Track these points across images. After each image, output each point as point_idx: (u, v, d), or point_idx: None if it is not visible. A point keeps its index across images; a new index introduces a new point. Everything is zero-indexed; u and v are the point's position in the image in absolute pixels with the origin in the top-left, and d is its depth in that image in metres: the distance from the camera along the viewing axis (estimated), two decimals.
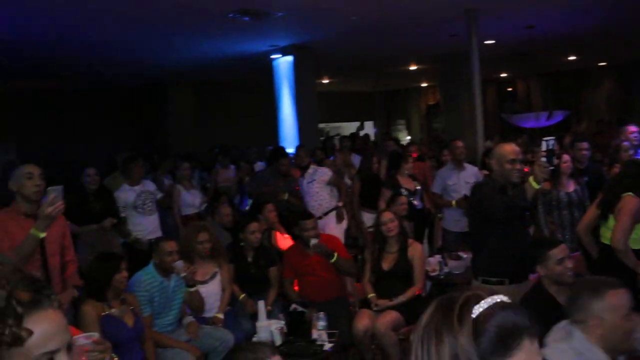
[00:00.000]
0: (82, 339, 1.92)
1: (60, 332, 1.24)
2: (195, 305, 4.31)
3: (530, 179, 3.52)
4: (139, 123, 14.87)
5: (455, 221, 6.32)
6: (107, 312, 3.52)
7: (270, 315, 4.35)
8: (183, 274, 4.12)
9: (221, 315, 4.50)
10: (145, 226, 5.86)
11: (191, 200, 6.66)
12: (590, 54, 13.78)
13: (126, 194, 5.84)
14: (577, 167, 5.10)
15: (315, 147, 8.98)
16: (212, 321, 4.42)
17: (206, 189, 7.83)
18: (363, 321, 4.40)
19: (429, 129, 19.83)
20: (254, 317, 4.56)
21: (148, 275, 4.09)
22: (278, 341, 3.85)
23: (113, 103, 14.58)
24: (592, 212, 4.26)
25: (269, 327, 3.97)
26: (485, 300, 1.14)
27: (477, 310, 1.12)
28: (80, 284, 3.78)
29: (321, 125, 13.96)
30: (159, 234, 5.81)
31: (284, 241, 5.46)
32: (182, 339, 4.10)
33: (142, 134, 14.58)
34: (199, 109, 14.57)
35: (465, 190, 6.20)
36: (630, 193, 3.82)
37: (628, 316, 2.14)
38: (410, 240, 4.75)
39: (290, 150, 8.56)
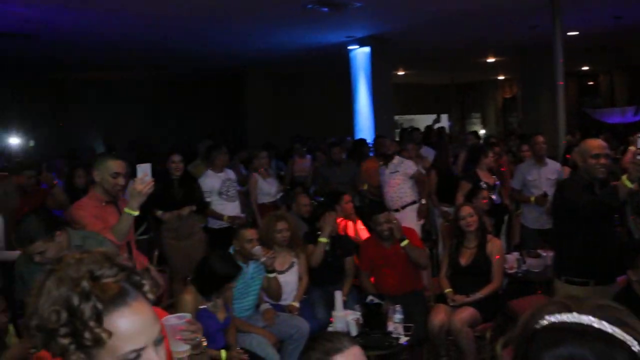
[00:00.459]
0: (174, 319, 1.96)
1: (146, 327, 1.19)
2: (273, 291, 4.37)
3: (624, 177, 3.37)
4: (218, 113, 15.27)
5: (534, 218, 6.14)
6: (204, 306, 3.58)
7: (344, 306, 4.36)
8: (263, 259, 4.17)
9: (297, 304, 4.56)
10: (228, 212, 6.01)
11: (268, 189, 6.77)
12: None
13: (212, 180, 6.00)
14: None
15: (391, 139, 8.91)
16: (288, 309, 4.48)
17: (282, 179, 7.95)
18: (439, 316, 4.35)
19: (505, 123, 19.33)
20: (329, 307, 4.60)
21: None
22: (354, 332, 3.87)
23: (193, 94, 15.04)
24: None
25: (345, 318, 3.99)
26: (563, 313, 0.91)
27: (543, 322, 0.93)
28: (146, 265, 3.86)
29: (395, 118, 13.83)
30: (243, 221, 5.93)
31: (360, 232, 5.46)
32: (259, 325, 4.18)
33: (221, 123, 14.95)
34: (276, 99, 14.77)
35: (545, 187, 6.02)
36: None
37: None
38: (489, 236, 4.64)
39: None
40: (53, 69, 12.18)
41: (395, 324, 3.96)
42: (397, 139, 10.78)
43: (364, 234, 5.49)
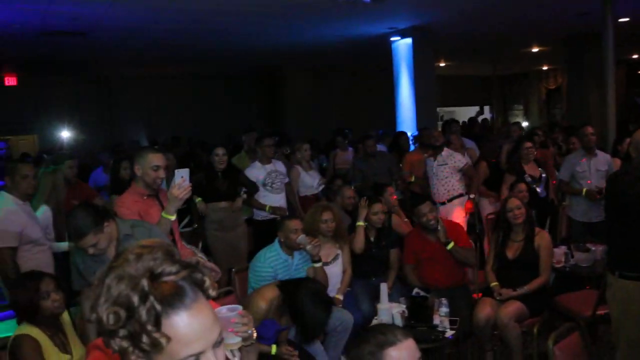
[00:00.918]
0: (226, 311, 1.92)
1: (205, 331, 1.14)
2: (320, 281, 4.35)
3: None
4: (258, 107, 15.40)
5: (582, 211, 5.99)
6: (272, 317, 3.54)
7: (389, 298, 4.33)
8: (308, 247, 4.15)
9: (341, 296, 4.55)
10: (272, 203, 6.03)
11: (310, 181, 6.79)
12: None
13: (256, 172, 6.06)
14: None
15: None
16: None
17: (324, 171, 7.95)
18: (485, 310, 4.28)
19: (548, 115, 18.92)
20: (373, 299, 4.58)
21: (273, 252, 4.20)
22: (399, 324, 3.84)
23: (233, 89, 15.19)
24: None
25: (390, 310, 3.97)
26: None
27: None
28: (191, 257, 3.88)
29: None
30: (285, 212, 5.95)
31: (403, 225, 5.42)
32: None
33: (260, 118, 15.07)
34: (315, 93, 14.80)
35: (595, 178, 5.89)
36: None
37: None
38: (537, 229, 4.53)
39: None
40: (100, 65, 12.47)
41: (441, 317, 3.91)
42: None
43: (405, 227, 5.45)
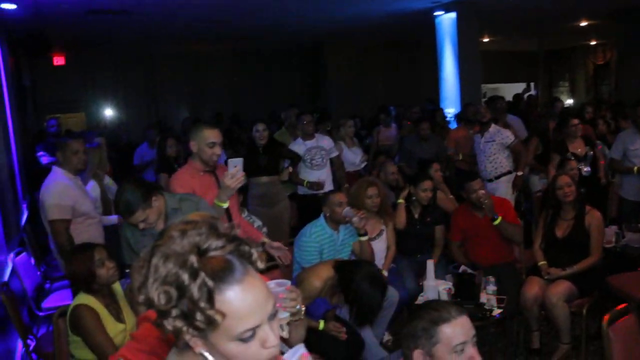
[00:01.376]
0: (274, 286, 1.94)
1: (260, 304, 1.12)
2: (367, 256, 4.35)
3: None
4: (301, 84, 15.41)
5: (635, 190, 5.81)
6: (324, 296, 3.56)
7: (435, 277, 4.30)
8: (355, 218, 4.12)
9: (385, 273, 4.54)
10: (311, 179, 6.04)
11: (352, 158, 6.78)
12: None
13: (297, 148, 6.07)
14: None
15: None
16: None
17: (366, 148, 7.92)
18: (533, 289, 4.20)
19: (596, 92, 18.36)
20: (417, 276, 4.56)
21: (319, 227, 4.20)
22: None
23: (275, 65, 15.20)
24: None
25: (437, 287, 3.94)
26: None
27: None
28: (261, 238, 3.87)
29: None
30: (327, 188, 5.94)
31: (448, 202, 5.37)
32: None
33: (302, 94, 15.08)
34: (358, 68, 14.71)
35: None
36: None
37: None
38: (588, 207, 4.40)
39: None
40: (144, 43, 12.62)
41: (489, 295, 3.87)
42: None
43: (450, 204, 5.39)
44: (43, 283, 5.20)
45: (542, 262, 4.37)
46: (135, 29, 10.41)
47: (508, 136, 6.43)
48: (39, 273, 5.28)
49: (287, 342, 1.97)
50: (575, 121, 6.11)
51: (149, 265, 1.11)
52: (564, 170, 5.26)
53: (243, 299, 1.09)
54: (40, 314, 4.63)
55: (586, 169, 5.88)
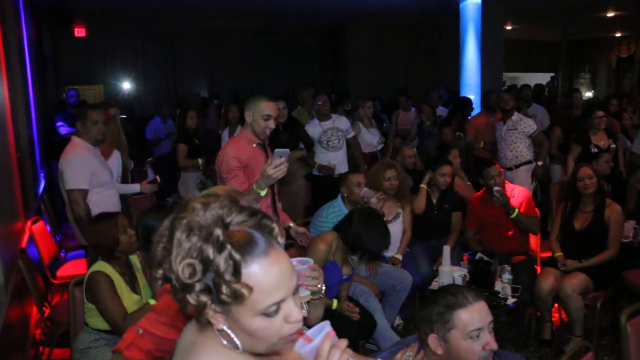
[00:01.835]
0: (296, 263, 1.91)
1: (285, 278, 1.11)
2: None
3: None
4: (320, 65, 15.34)
5: None
6: (333, 259, 3.56)
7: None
8: (372, 199, 4.10)
9: (400, 256, 4.54)
10: (325, 161, 6.01)
11: (370, 139, 6.74)
12: None
13: (312, 129, 6.03)
14: None
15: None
16: (391, 261, 4.47)
17: (386, 131, 7.88)
18: (548, 280, 4.17)
19: (618, 85, 18.09)
20: (432, 261, 4.55)
21: (336, 208, 4.20)
22: None
23: (294, 45, 15.15)
24: None
25: (452, 273, 3.93)
26: None
27: None
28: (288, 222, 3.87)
29: None
30: (342, 169, 5.92)
31: (466, 189, 5.33)
32: (362, 275, 4.19)
33: (321, 75, 15.01)
34: (379, 50, 14.60)
35: None
36: None
37: None
38: (608, 201, 4.35)
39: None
40: (164, 19, 12.58)
41: (504, 283, 3.85)
42: None
43: (467, 191, 5.36)
44: (58, 252, 5.25)
45: (558, 254, 4.34)
46: (155, 3, 10.36)
47: (530, 125, 6.35)
48: (54, 242, 5.33)
49: (306, 321, 1.96)
50: (600, 113, 6.03)
51: (170, 239, 1.08)
52: (597, 162, 5.19)
53: (269, 272, 1.08)
54: (55, 282, 4.68)
55: None
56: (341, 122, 6.15)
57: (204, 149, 6.33)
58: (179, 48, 14.46)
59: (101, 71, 13.72)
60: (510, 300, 3.80)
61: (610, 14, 13.12)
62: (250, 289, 1.05)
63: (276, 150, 3.11)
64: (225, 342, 1.16)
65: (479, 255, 3.89)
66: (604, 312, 4.47)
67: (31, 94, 6.71)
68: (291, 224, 3.78)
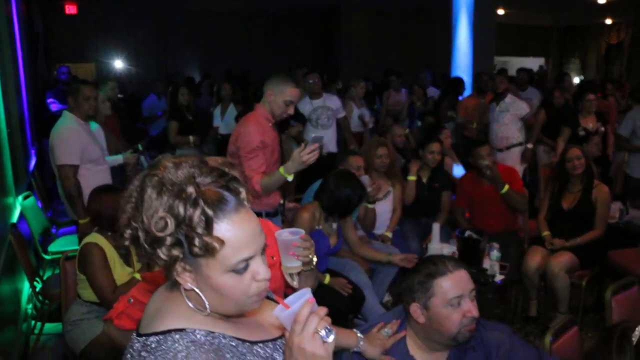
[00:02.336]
0: (288, 234, 1.95)
1: (256, 235, 1.14)
2: (368, 221, 4.40)
3: None
4: (312, 46, 15.28)
5: None
6: (320, 227, 3.59)
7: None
8: (369, 189, 4.13)
9: (390, 234, 4.58)
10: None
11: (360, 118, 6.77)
12: None
13: (304, 106, 6.05)
14: None
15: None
16: (381, 238, 4.51)
17: (377, 113, 7.90)
18: (535, 258, 4.25)
19: (606, 71, 18.17)
20: (421, 239, 4.59)
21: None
22: None
23: (287, 26, 15.07)
24: None
25: (441, 250, 3.98)
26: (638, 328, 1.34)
27: (636, 338, 1.34)
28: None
29: None
30: (331, 148, 5.94)
31: (456, 168, 5.38)
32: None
33: (313, 57, 14.96)
34: (372, 33, 14.58)
35: None
36: None
37: None
38: (596, 181, 4.41)
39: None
40: None
41: (492, 261, 3.90)
42: None
43: (456, 171, 5.41)
44: (49, 227, 5.25)
45: (546, 233, 4.40)
46: None
47: (523, 108, 6.39)
48: (45, 217, 5.32)
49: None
50: (592, 96, 6.08)
51: (141, 196, 1.10)
52: (588, 144, 5.25)
53: (240, 228, 1.11)
54: (47, 257, 4.69)
55: None
56: (332, 101, 6.15)
57: (196, 127, 6.32)
58: (171, 27, 14.32)
59: (92, 49, 13.57)
60: (498, 278, 3.86)
61: (600, 1, 13.15)
62: (222, 242, 1.08)
63: (313, 135, 3.06)
64: (192, 304, 1.18)
65: (468, 232, 3.93)
66: (590, 290, 4.55)
67: (21, 71, 6.66)
68: (281, 201, 3.80)
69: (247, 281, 1.14)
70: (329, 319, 1.16)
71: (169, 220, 1.07)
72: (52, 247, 4.75)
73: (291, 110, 3.46)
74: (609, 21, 17.62)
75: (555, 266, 4.14)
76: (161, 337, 1.13)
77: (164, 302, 1.23)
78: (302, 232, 1.99)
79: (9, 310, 3.78)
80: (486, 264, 3.91)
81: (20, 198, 4.84)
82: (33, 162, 6.59)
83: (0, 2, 5.26)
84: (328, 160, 5.45)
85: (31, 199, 4.95)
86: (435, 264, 1.94)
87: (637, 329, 1.41)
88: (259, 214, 3.22)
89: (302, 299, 1.16)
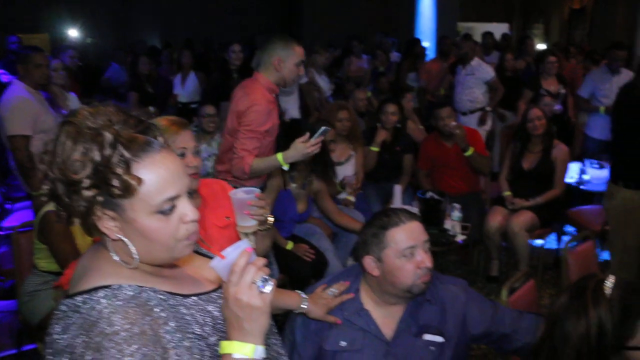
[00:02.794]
0: (242, 193, 1.92)
1: (177, 176, 1.12)
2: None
3: None
4: (274, 11, 15.04)
5: (600, 128, 5.89)
6: (288, 188, 3.52)
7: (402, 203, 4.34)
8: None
9: (353, 198, 4.56)
10: (283, 105, 5.95)
11: (321, 84, 6.70)
12: None
13: None
14: None
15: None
16: (343, 202, 4.49)
17: (340, 80, 7.82)
18: (496, 218, 4.30)
19: (569, 36, 18.34)
20: (384, 202, 4.60)
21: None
22: None
23: None
24: None
25: None
26: (609, 279, 1.46)
27: (609, 289, 1.45)
28: None
29: None
30: (294, 114, 5.87)
31: (418, 132, 5.37)
32: (314, 215, 4.20)
33: (279, 20, 14.72)
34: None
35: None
36: None
37: None
38: (555, 141, 4.46)
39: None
40: None
41: (453, 221, 3.93)
42: None
43: (419, 133, 5.40)
44: (3, 203, 5.09)
45: (507, 193, 4.45)
46: None
47: (488, 72, 6.38)
48: None
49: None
50: (553, 58, 6.11)
51: (57, 146, 1.07)
52: (539, 105, 5.28)
53: (162, 166, 1.09)
54: (1, 233, 4.56)
55: (557, 107, 5.92)
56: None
57: (156, 98, 6.18)
58: None
59: (45, 19, 13.09)
60: (460, 238, 3.89)
61: None
62: (140, 180, 1.06)
63: (323, 127, 2.88)
64: (118, 259, 1.15)
65: (429, 194, 3.94)
66: (549, 248, 4.65)
67: None
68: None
69: (175, 223, 1.12)
70: (267, 270, 1.13)
71: (86, 163, 1.05)
72: (7, 223, 4.61)
73: (302, 70, 3.27)
74: None
75: (516, 225, 4.20)
76: (87, 295, 1.10)
77: (90, 261, 1.19)
78: (257, 190, 1.95)
79: None
80: (448, 224, 3.94)
81: None
82: None
83: None
84: (291, 126, 5.37)
85: None
86: (389, 216, 1.92)
87: (608, 280, 1.45)
88: None
89: (239, 249, 1.13)
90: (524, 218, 4.23)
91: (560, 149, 4.44)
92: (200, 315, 1.20)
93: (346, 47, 8.72)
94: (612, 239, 3.63)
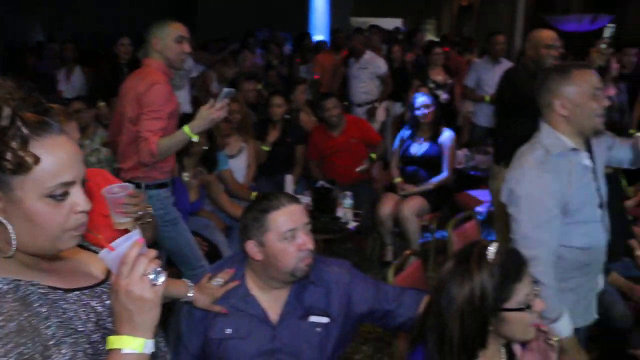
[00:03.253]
0: (116, 189, 1.89)
1: (75, 162, 1.08)
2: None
3: None
4: (170, 4, 14.65)
5: (485, 116, 6.18)
6: (179, 176, 3.41)
7: (294, 193, 4.34)
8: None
9: None
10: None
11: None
12: None
13: None
14: (622, 72, 4.99)
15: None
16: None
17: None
18: (388, 204, 4.41)
19: (458, 32, 19.19)
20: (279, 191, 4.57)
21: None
22: None
23: None
24: None
25: None
26: (492, 245, 1.57)
27: (491, 255, 1.54)
28: None
29: None
30: (186, 109, 5.73)
31: (311, 123, 5.39)
32: (207, 209, 4.12)
33: (173, 13, 14.32)
34: None
35: None
36: None
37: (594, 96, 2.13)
38: (443, 129, 4.64)
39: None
40: None
41: (345, 209, 3.98)
42: None
43: (312, 125, 5.43)
44: None
45: (397, 179, 4.57)
46: None
47: (381, 66, 6.52)
48: None
49: None
50: (438, 50, 6.35)
51: None
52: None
53: (61, 149, 1.05)
54: None
55: (444, 96, 6.16)
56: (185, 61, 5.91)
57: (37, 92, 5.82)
58: None
59: None
60: (352, 224, 3.95)
61: None
62: (37, 158, 1.01)
63: (225, 89, 2.79)
64: None
65: (320, 182, 3.97)
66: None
67: None
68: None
69: (65, 211, 1.06)
70: (158, 261, 1.08)
71: None
72: None
73: (187, 48, 3.13)
74: None
75: (407, 210, 4.32)
76: None
77: None
78: (130, 187, 1.92)
79: None
80: (340, 212, 3.98)
81: None
82: None
83: None
84: (184, 121, 5.23)
85: None
86: (269, 199, 1.91)
87: (490, 247, 1.54)
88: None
89: (130, 240, 1.07)
90: (414, 203, 4.36)
91: (447, 136, 4.61)
92: (83, 310, 1.13)
93: (242, 42, 8.64)
94: (496, 218, 3.81)
